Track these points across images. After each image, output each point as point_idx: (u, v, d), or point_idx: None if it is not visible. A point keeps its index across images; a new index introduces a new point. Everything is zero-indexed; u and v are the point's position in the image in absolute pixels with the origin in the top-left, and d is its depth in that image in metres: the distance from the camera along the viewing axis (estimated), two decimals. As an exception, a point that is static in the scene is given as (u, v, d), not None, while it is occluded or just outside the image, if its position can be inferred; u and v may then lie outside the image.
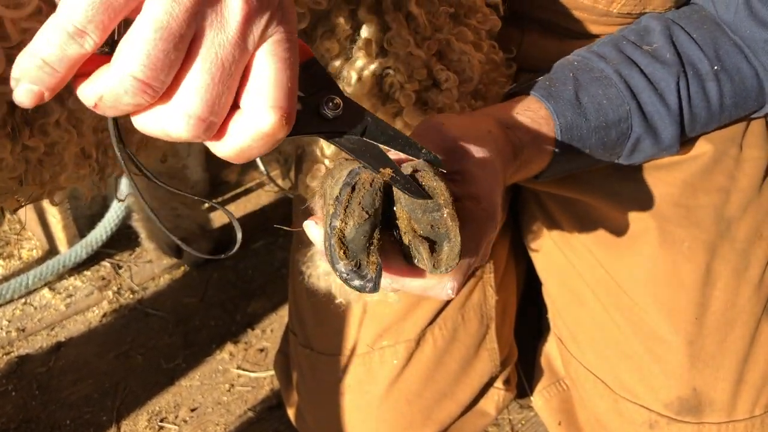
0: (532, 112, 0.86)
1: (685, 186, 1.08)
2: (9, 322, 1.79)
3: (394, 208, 0.56)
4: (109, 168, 0.91)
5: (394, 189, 0.56)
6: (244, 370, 1.65)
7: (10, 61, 0.63)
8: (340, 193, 0.53)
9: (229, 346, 1.71)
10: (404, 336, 1.18)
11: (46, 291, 1.88)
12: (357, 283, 0.53)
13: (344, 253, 0.53)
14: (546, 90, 0.90)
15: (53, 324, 1.78)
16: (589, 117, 0.87)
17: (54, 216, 1.94)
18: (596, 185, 1.13)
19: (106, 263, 1.97)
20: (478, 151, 0.68)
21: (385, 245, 0.56)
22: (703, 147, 1.07)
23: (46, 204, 1.95)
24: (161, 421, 1.55)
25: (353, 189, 0.54)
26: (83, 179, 0.86)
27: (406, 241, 0.56)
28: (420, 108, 0.90)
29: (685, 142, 0.99)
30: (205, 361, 1.67)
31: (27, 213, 2.06)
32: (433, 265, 0.53)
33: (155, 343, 1.72)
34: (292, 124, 0.51)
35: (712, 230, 1.06)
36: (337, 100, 0.56)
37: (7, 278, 1.91)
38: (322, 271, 1.03)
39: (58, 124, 0.75)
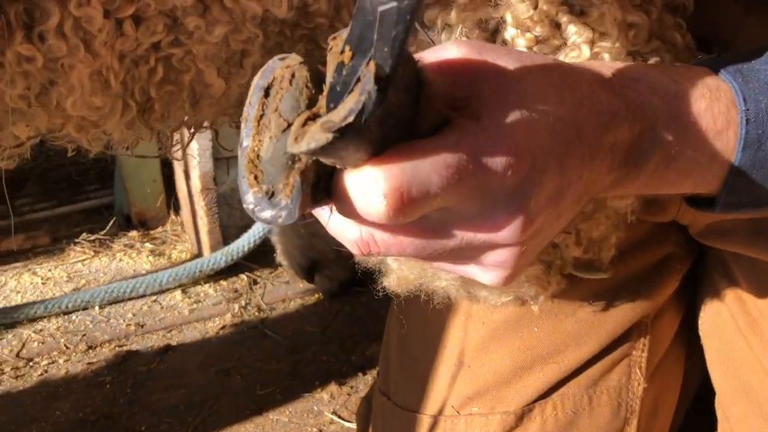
0: (688, 80, 0.60)
1: None
2: (133, 315, 1.79)
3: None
4: (157, 114, 0.77)
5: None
6: (339, 416, 1.51)
7: None
8: (251, 102, 0.43)
9: (333, 387, 1.59)
10: (503, 406, 0.95)
11: (178, 293, 1.87)
12: (267, 214, 0.42)
13: (255, 178, 0.42)
14: (735, 66, 0.63)
15: (171, 326, 1.76)
16: None
17: (202, 219, 1.92)
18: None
19: (244, 276, 1.94)
20: (503, 74, 0.51)
21: None
22: None
23: (197, 207, 1.95)
24: (234, 450, 1.44)
25: (267, 93, 0.43)
26: (108, 116, 0.73)
27: None
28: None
29: None
30: (302, 396, 1.56)
31: (186, 216, 2.08)
32: (295, 138, 0.40)
33: (260, 367, 1.64)
34: None
35: None
36: None
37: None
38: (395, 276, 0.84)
39: (62, 34, 0.64)
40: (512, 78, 0.51)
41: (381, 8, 0.41)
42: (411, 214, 0.44)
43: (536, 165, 0.48)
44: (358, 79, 0.40)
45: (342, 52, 0.41)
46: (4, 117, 0.68)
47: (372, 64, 0.40)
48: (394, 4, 0.40)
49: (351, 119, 0.38)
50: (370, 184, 0.42)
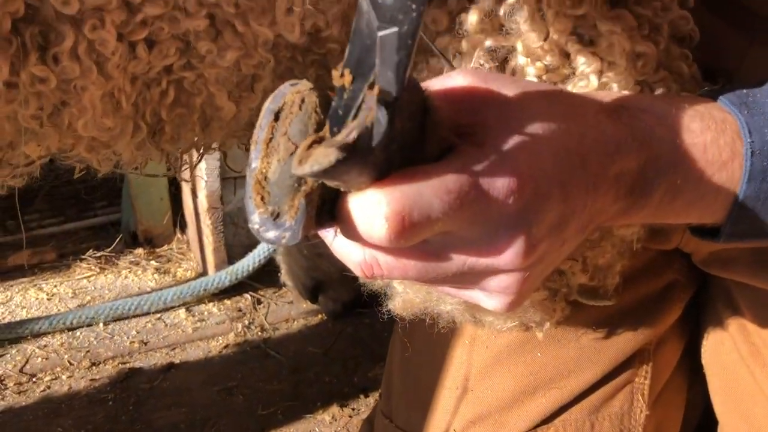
0: (689, 107, 0.59)
1: None
2: (137, 333, 1.78)
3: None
4: (167, 136, 0.78)
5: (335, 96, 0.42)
6: (340, 438, 1.49)
7: None
8: (261, 125, 0.44)
9: (334, 409, 1.57)
10: (505, 430, 0.93)
11: (182, 311, 1.86)
12: (271, 234, 0.43)
13: (262, 199, 0.43)
14: (740, 98, 0.63)
15: (175, 344, 1.75)
16: None
17: (207, 238, 1.92)
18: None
19: (248, 295, 1.93)
20: (507, 103, 0.51)
21: None
22: None
23: (204, 226, 1.95)
24: (234, 469, 1.42)
25: (277, 117, 0.44)
26: (118, 137, 0.73)
27: None
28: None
29: None
30: (303, 417, 1.54)
31: (192, 234, 2.08)
32: (299, 161, 0.40)
33: (262, 387, 1.63)
34: None
35: None
36: None
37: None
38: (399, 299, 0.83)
39: (75, 56, 0.64)
40: (516, 106, 0.51)
41: (380, 34, 0.41)
42: (412, 238, 0.45)
43: (538, 191, 0.48)
44: (362, 102, 0.40)
45: (342, 75, 0.42)
46: (17, 136, 0.69)
47: (376, 89, 0.40)
48: (395, 29, 0.40)
49: (351, 140, 0.38)
50: (372, 207, 0.43)
